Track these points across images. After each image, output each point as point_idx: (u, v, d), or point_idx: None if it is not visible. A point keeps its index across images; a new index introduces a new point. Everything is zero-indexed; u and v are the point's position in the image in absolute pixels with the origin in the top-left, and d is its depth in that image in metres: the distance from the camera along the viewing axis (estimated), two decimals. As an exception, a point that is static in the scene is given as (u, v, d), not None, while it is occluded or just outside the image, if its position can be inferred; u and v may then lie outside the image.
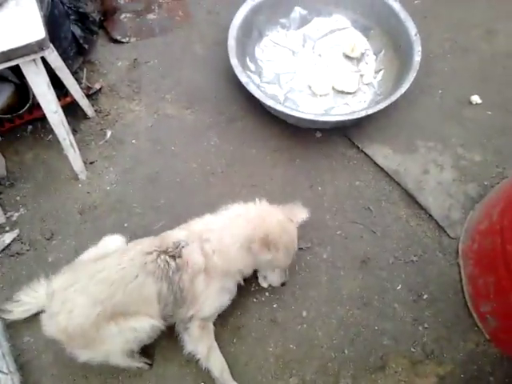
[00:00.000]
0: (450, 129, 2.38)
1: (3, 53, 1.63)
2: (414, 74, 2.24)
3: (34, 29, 1.69)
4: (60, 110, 1.99)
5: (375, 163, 2.29)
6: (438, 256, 2.07)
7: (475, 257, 1.93)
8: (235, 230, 1.69)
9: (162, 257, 1.62)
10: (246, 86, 2.23)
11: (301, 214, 1.85)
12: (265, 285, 2.00)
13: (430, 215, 2.14)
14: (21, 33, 1.68)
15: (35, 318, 1.89)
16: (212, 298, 1.78)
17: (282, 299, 2.00)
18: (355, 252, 2.10)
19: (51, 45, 2.01)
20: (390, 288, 2.01)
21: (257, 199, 1.81)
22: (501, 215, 1.76)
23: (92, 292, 1.57)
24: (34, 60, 1.74)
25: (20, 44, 1.65)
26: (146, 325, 1.61)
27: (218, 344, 1.82)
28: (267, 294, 2.01)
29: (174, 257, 1.63)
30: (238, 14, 2.46)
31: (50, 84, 1.89)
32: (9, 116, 2.32)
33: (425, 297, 1.99)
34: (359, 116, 2.17)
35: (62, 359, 1.82)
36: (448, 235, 2.10)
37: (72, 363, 1.79)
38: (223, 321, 1.91)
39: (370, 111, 2.17)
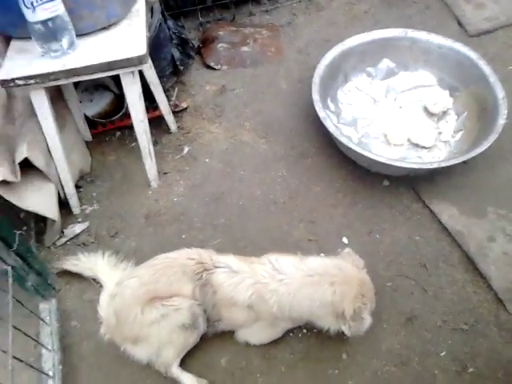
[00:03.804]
0: (527, 200, 2.27)
1: (109, 63, 1.84)
2: (496, 136, 2.17)
3: (138, 46, 1.88)
4: (146, 120, 2.17)
5: (439, 221, 2.23)
6: (492, 330, 1.94)
7: (533, 338, 1.79)
8: (317, 295, 1.68)
9: (199, 265, 1.73)
10: (323, 121, 2.29)
11: (359, 261, 1.83)
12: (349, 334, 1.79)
13: (490, 285, 2.03)
14: (126, 48, 1.88)
15: (86, 304, 2.06)
16: (257, 332, 1.88)
17: (319, 339, 1.97)
18: (402, 307, 2.03)
19: (150, 62, 2.24)
20: (433, 352, 1.91)
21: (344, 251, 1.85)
22: None
23: (141, 275, 1.75)
24: (132, 72, 1.93)
25: (123, 57, 1.84)
26: (184, 304, 1.69)
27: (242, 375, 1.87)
28: (305, 330, 1.99)
29: (207, 270, 1.72)
30: (327, 55, 2.55)
31: (142, 96, 2.08)
32: (103, 120, 2.58)
33: (470, 370, 1.86)
34: (433, 167, 2.14)
35: (102, 350, 1.92)
36: (507, 310, 1.97)
37: (108, 357, 1.92)
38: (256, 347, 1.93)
39: (444, 164, 2.13)
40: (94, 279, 2.09)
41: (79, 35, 1.89)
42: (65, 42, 1.82)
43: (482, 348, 1.90)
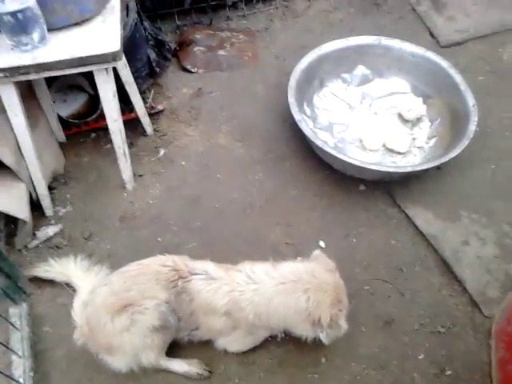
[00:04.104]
0: (498, 205, 2.32)
1: (81, 58, 1.79)
2: (467, 142, 2.24)
3: (112, 42, 1.84)
4: (120, 119, 2.12)
5: (415, 225, 2.26)
6: (468, 332, 1.97)
7: (509, 340, 1.81)
8: (291, 302, 1.66)
9: (173, 273, 1.68)
10: (299, 124, 2.30)
11: (331, 263, 1.81)
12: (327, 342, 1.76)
13: (465, 288, 2.06)
14: (100, 44, 1.84)
15: (60, 309, 1.98)
16: (236, 341, 1.83)
17: (297, 343, 1.94)
18: (380, 311, 2.03)
19: (125, 61, 2.20)
20: (411, 355, 1.92)
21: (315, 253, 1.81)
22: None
23: (112, 282, 1.71)
24: (106, 69, 1.89)
25: (97, 53, 1.80)
26: (150, 304, 1.64)
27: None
28: (284, 335, 1.95)
29: (183, 278, 1.68)
30: (303, 60, 2.58)
31: (116, 94, 2.03)
32: (77, 121, 2.51)
33: (448, 373, 1.87)
34: (407, 171, 2.18)
35: (75, 356, 1.87)
36: (481, 312, 2.00)
37: (82, 362, 1.85)
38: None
39: (418, 168, 2.17)
40: (66, 284, 2.01)
41: (51, 30, 1.84)
42: (36, 35, 1.76)
43: (459, 350, 1.93)
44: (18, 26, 1.71)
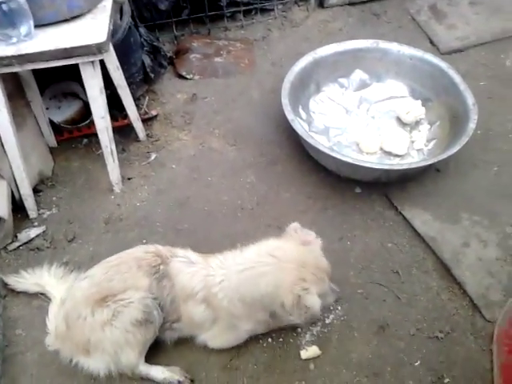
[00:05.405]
0: (502, 207, 2.20)
1: (66, 49, 1.78)
2: (466, 139, 2.14)
3: (98, 34, 1.83)
4: (107, 117, 2.10)
5: (412, 228, 2.15)
6: (469, 338, 1.83)
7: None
8: (254, 288, 1.58)
9: (155, 258, 1.65)
10: (292, 123, 2.24)
11: (308, 235, 1.70)
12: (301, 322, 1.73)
13: (465, 291, 1.93)
14: (85, 36, 1.83)
15: (34, 312, 1.91)
16: (217, 335, 1.74)
17: (284, 348, 1.83)
18: (374, 315, 1.91)
19: (117, 63, 2.19)
20: (406, 362, 1.78)
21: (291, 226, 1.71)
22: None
23: (93, 274, 1.67)
24: (92, 63, 1.87)
25: (81, 43, 1.79)
26: (135, 296, 1.59)
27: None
28: (270, 340, 1.85)
29: (165, 263, 1.65)
30: (298, 63, 2.55)
31: (104, 90, 2.01)
32: (69, 127, 2.50)
33: (446, 380, 1.73)
34: (402, 168, 2.08)
35: (46, 361, 1.79)
36: (483, 316, 1.86)
37: (53, 367, 1.76)
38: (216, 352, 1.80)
39: (415, 165, 2.08)
40: (42, 294, 1.92)
41: (40, 25, 1.84)
42: (23, 29, 1.77)
43: (458, 357, 1.79)
44: (4, 19, 1.73)
